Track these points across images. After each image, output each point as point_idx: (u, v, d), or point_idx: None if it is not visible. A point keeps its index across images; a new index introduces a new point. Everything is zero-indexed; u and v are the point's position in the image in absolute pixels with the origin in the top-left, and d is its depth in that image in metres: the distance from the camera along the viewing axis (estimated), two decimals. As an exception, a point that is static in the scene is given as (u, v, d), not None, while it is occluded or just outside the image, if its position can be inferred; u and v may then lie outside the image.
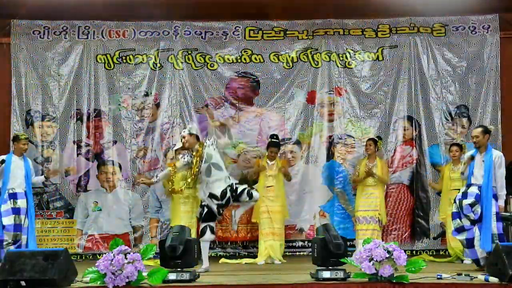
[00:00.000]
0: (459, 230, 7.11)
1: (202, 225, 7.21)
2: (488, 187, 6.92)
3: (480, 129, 7.17)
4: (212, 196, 7.12)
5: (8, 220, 7.56)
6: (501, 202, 7.00)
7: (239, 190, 7.18)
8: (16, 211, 7.63)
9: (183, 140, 7.38)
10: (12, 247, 7.37)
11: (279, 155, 8.88)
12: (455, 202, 7.23)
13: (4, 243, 7.49)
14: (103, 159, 9.63)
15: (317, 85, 9.79)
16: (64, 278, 5.58)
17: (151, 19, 9.71)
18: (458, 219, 7.12)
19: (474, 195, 6.99)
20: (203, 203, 7.23)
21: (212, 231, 7.24)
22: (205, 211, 7.15)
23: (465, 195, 7.08)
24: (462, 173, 7.41)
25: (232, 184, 7.20)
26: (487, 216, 6.86)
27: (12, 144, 8.04)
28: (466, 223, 7.03)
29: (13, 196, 7.67)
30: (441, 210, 8.67)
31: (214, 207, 7.13)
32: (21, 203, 7.68)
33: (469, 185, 7.13)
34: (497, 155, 7.06)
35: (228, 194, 7.12)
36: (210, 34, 9.83)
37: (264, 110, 9.82)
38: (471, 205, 6.95)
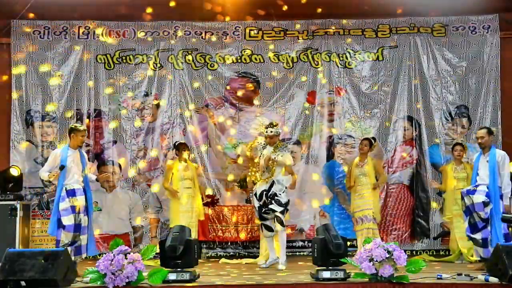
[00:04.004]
0: (473, 228, 7.12)
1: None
2: (494, 187, 7.00)
3: (485, 130, 7.28)
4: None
5: (68, 220, 6.91)
6: (506, 201, 7.06)
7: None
8: (75, 209, 6.98)
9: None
10: (69, 248, 6.70)
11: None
12: (462, 199, 7.25)
13: (61, 244, 6.84)
14: (103, 159, 9.63)
15: (317, 85, 9.80)
16: (64, 278, 5.59)
17: (151, 19, 9.71)
18: (469, 216, 7.15)
19: (484, 192, 7.02)
20: None
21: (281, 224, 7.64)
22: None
23: (473, 191, 7.12)
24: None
25: None
26: (497, 215, 6.89)
27: (69, 136, 7.33)
28: (477, 219, 7.05)
29: (72, 194, 7.01)
30: (447, 210, 8.57)
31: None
32: (80, 200, 7.03)
33: (476, 186, 7.17)
34: (500, 154, 7.15)
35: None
36: (210, 34, 9.83)
37: (264, 110, 9.82)
38: (484, 204, 6.99)
